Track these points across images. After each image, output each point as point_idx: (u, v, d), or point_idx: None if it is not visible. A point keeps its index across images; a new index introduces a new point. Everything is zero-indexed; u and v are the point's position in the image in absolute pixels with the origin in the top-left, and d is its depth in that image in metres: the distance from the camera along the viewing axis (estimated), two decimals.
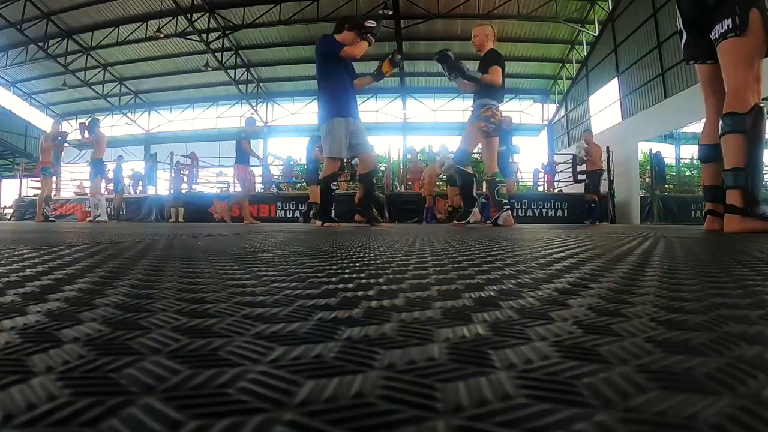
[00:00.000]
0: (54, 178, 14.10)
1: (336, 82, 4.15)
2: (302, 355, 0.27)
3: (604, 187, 11.12)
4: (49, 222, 8.17)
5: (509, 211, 4.53)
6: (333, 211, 4.45)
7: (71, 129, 16.16)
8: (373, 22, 4.25)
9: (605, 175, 10.97)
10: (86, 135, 7.93)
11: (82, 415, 0.19)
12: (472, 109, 4.58)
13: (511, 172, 8.13)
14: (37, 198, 13.00)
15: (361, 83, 4.45)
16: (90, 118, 8.50)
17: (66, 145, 9.02)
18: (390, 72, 4.48)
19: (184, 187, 11.69)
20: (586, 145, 9.14)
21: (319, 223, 4.30)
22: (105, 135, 8.31)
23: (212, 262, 0.83)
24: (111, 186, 11.77)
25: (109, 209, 9.88)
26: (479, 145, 4.73)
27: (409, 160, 13.66)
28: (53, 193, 13.65)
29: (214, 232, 2.51)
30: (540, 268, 0.73)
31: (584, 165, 9.30)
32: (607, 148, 11.06)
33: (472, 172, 4.61)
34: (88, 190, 10.48)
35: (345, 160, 5.69)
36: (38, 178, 15.24)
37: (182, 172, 11.45)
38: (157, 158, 13.01)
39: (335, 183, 4.44)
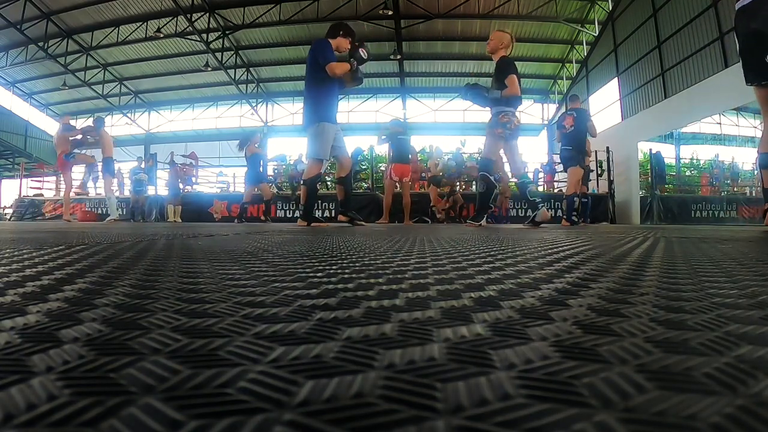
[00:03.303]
0: (55, 178, 14.05)
1: (327, 87, 4.28)
2: (302, 355, 0.27)
3: (603, 187, 11.11)
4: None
5: (543, 206, 4.72)
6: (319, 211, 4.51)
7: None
8: (365, 52, 4.39)
9: (605, 175, 10.94)
10: (89, 137, 7.90)
11: (82, 415, 0.19)
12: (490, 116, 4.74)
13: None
14: (36, 198, 13.01)
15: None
16: (96, 118, 8.44)
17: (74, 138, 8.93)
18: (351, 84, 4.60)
19: (192, 187, 11.69)
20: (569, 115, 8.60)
21: (304, 223, 4.30)
22: (109, 134, 8.30)
23: (212, 262, 0.83)
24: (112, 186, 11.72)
25: (124, 209, 9.83)
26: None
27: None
28: (53, 194, 13.64)
29: (214, 231, 2.51)
30: (540, 268, 0.73)
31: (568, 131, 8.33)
32: (607, 148, 11.05)
33: (494, 181, 4.77)
34: (89, 191, 10.44)
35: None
36: (39, 178, 15.26)
37: (180, 169, 11.41)
38: (157, 158, 13.00)
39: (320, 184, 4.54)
